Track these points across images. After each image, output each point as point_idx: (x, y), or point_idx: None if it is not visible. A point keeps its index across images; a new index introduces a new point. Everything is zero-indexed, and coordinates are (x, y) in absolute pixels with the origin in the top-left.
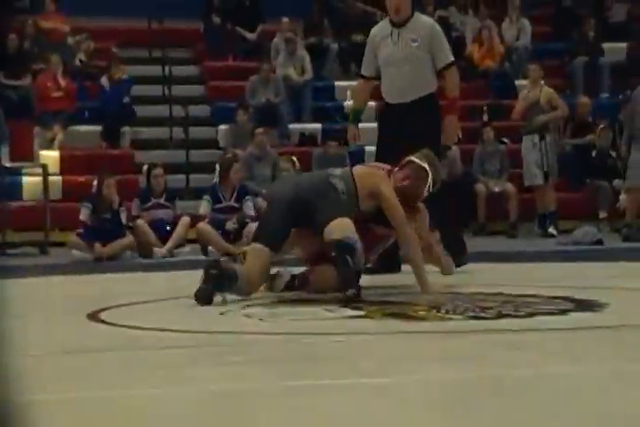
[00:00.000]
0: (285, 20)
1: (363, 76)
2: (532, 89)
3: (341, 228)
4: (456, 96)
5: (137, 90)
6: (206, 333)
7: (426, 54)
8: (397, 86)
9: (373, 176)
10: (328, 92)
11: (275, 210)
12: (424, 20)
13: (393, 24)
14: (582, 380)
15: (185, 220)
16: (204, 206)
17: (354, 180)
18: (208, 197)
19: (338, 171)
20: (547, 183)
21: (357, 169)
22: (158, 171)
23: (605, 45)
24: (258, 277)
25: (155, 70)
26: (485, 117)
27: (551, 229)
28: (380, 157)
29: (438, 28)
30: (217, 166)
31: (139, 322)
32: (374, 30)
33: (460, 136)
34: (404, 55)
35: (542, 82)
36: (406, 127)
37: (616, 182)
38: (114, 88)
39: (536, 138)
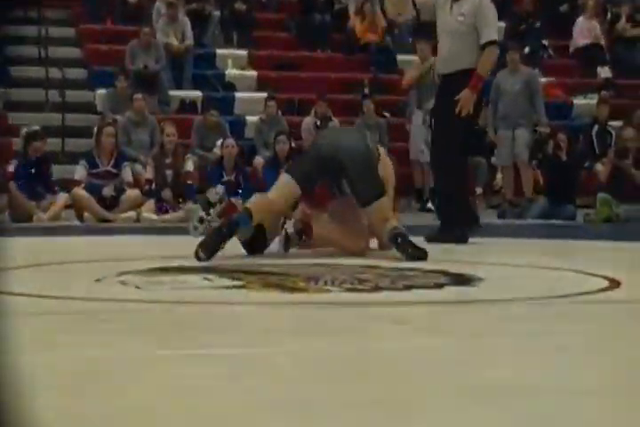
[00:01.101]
0: None
1: None
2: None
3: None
4: (481, 74)
5: (12, 50)
6: (79, 299)
7: (470, 29)
8: (441, 57)
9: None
10: (209, 60)
11: (312, 159)
12: None
13: None
14: (445, 353)
15: (63, 197)
16: (79, 172)
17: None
18: (84, 162)
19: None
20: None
21: None
22: (40, 144)
23: None
24: (282, 206)
25: (30, 30)
26: (366, 91)
27: (430, 204)
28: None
29: (487, 3)
30: (94, 131)
31: (10, 287)
32: None
33: (470, 112)
34: (449, 28)
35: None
36: (441, 98)
37: (493, 160)
38: None
39: (426, 114)
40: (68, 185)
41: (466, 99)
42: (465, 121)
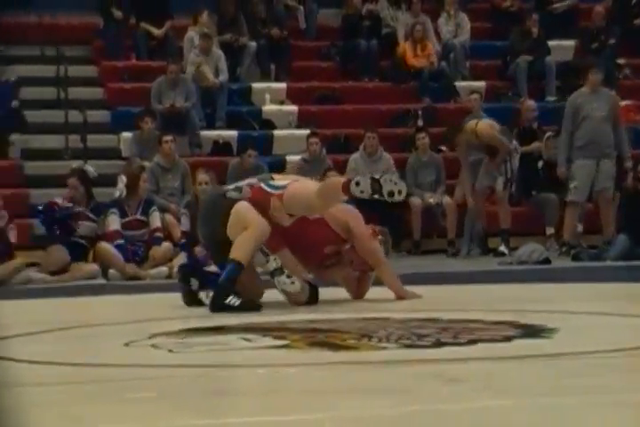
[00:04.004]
0: (204, 13)
1: None
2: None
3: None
4: None
5: (27, 93)
6: (108, 366)
7: None
8: None
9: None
10: (244, 96)
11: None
12: None
13: None
14: (514, 416)
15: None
16: (113, 221)
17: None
18: (115, 209)
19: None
20: (505, 192)
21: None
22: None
23: (551, 43)
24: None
25: (47, 70)
26: (420, 123)
27: (502, 248)
28: None
29: None
30: (121, 177)
31: (30, 355)
32: None
33: None
34: None
35: (482, 114)
36: None
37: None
38: (0, 91)
39: None
40: (100, 238)
41: None
42: None
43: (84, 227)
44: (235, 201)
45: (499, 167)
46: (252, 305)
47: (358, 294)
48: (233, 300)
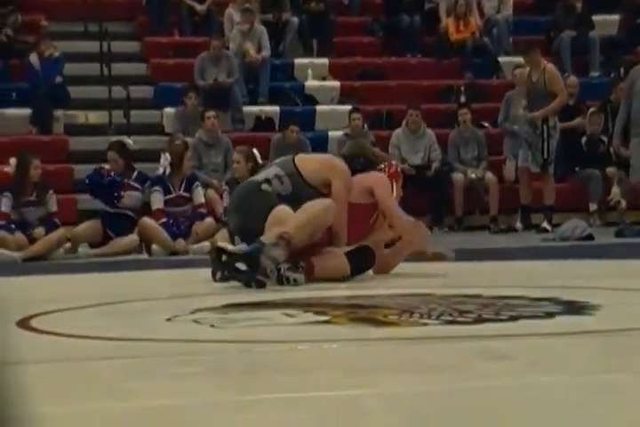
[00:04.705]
0: None
1: None
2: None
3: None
4: None
5: (71, 69)
6: (151, 341)
7: None
8: None
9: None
10: (287, 72)
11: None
12: None
13: None
14: (568, 392)
15: None
16: (157, 199)
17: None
18: (158, 187)
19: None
20: (546, 172)
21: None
22: None
23: (595, 18)
24: None
25: (91, 46)
26: (462, 98)
27: (545, 224)
28: None
29: None
30: (165, 154)
31: (75, 329)
32: None
33: None
34: None
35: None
36: None
37: (609, 171)
38: (44, 66)
39: (538, 121)
40: (145, 214)
41: None
42: None
43: (130, 197)
44: (268, 194)
45: (536, 145)
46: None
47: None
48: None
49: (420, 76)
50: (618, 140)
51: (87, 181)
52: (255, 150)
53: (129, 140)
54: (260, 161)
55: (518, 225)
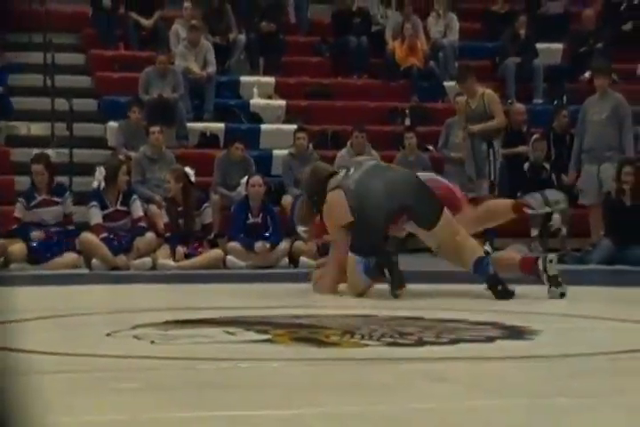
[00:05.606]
0: (187, 4)
1: None
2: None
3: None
4: None
5: (14, 79)
6: (91, 356)
7: None
8: None
9: None
10: (233, 89)
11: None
12: None
13: None
14: (508, 415)
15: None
16: (95, 214)
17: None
18: (95, 202)
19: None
20: (492, 195)
21: None
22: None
23: (539, 46)
24: None
25: (35, 58)
26: (408, 121)
27: (487, 247)
28: None
29: None
30: (99, 168)
31: (13, 343)
32: None
33: None
34: None
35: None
36: None
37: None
38: None
39: (484, 145)
40: (85, 230)
41: None
42: None
43: (50, 213)
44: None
45: (481, 170)
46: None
47: None
48: None
49: (367, 98)
50: (573, 171)
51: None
52: (188, 169)
53: (51, 152)
54: (193, 180)
55: None
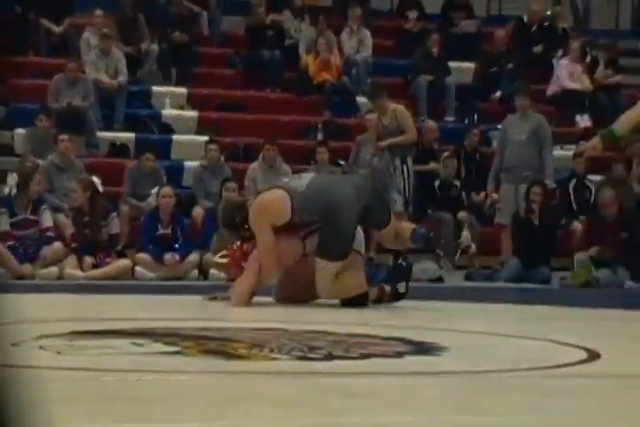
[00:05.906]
0: (99, 12)
1: None
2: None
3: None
4: None
5: None
6: None
7: None
8: None
9: None
10: (144, 99)
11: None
12: None
13: None
14: None
15: None
16: (3, 222)
17: None
18: (4, 209)
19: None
20: (406, 212)
21: None
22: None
23: (452, 64)
24: None
25: None
26: (320, 136)
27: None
28: None
29: None
30: (12, 175)
31: None
32: None
33: None
34: None
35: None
36: None
37: (460, 215)
38: None
39: (397, 160)
40: None
41: None
42: None
43: None
44: None
45: (396, 185)
46: None
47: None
48: None
49: (279, 111)
50: (492, 186)
51: None
52: (95, 178)
53: None
54: (100, 189)
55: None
